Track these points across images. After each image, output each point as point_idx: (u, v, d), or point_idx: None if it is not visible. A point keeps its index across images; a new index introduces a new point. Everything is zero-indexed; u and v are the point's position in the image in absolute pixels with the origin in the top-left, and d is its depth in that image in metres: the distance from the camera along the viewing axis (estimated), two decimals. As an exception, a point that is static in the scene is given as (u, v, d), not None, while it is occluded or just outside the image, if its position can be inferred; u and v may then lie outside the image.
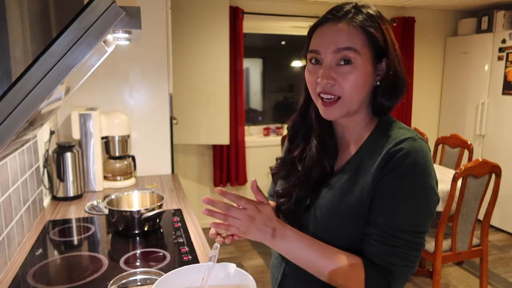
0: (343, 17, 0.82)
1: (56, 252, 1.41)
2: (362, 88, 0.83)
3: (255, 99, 4.23)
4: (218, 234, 0.88)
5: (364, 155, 0.86)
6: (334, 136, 0.94)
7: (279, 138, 3.56)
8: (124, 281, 1.15)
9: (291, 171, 0.96)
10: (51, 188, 1.92)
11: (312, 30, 0.87)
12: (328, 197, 0.87)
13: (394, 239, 0.79)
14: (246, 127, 3.81)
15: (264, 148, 3.89)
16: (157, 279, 0.86)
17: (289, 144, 1.00)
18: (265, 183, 3.60)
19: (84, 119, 2.02)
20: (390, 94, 0.86)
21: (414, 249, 0.80)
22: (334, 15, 0.84)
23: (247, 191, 3.88)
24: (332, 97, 0.83)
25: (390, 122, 0.89)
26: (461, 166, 2.29)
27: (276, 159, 1.03)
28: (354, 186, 0.84)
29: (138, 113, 2.33)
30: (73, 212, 1.79)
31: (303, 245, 0.80)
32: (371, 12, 0.84)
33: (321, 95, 0.84)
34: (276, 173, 1.01)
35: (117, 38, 1.26)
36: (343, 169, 0.89)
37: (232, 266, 0.89)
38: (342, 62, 0.81)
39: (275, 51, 4.27)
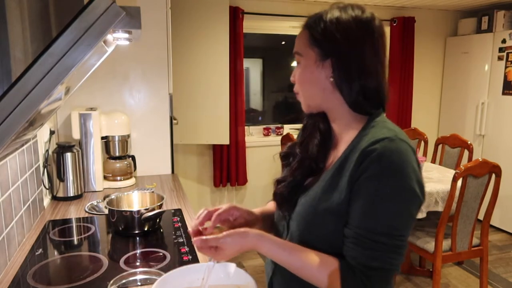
0: (305, 23, 0.93)
1: (56, 252, 1.41)
2: (309, 84, 0.91)
3: (255, 99, 4.23)
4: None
5: (348, 154, 0.86)
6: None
7: (279, 138, 3.56)
8: (124, 281, 1.15)
9: (294, 158, 1.00)
10: (51, 188, 1.92)
11: None
12: (311, 194, 0.89)
13: (372, 242, 0.78)
14: (246, 127, 3.81)
15: (264, 148, 3.89)
16: (157, 279, 0.86)
17: (302, 132, 1.05)
18: (265, 183, 3.63)
19: (84, 119, 2.02)
20: (343, 90, 0.87)
21: (395, 252, 0.79)
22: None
23: (247, 191, 3.88)
24: (296, 92, 0.96)
25: (377, 121, 0.87)
26: (461, 166, 2.29)
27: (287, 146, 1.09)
28: (335, 185, 0.85)
29: (138, 113, 2.33)
30: (73, 212, 1.79)
31: (280, 253, 0.85)
32: (327, 16, 0.87)
33: None
34: (285, 156, 1.04)
35: (117, 38, 1.26)
36: (331, 167, 0.90)
37: (232, 266, 0.89)
38: (297, 63, 0.94)
39: (275, 51, 4.27)
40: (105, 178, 2.17)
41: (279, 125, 4.08)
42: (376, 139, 0.80)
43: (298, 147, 0.99)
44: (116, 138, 2.15)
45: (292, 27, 3.90)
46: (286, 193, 0.95)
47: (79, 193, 1.98)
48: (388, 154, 0.78)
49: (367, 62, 0.85)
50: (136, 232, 1.52)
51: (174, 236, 1.51)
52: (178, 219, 1.68)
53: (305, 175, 0.95)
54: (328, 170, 0.90)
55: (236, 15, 3.45)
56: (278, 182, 0.99)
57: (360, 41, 0.85)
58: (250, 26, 3.72)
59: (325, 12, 0.88)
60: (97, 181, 2.08)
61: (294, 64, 1.00)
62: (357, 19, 0.86)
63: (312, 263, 0.82)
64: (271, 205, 1.09)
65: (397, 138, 0.80)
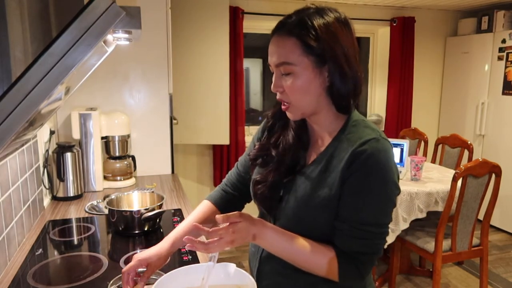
0: (283, 29, 0.90)
1: (56, 252, 1.41)
2: (306, 93, 0.90)
3: (255, 99, 4.23)
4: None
5: (333, 151, 0.92)
6: (307, 130, 1.01)
7: (279, 138, 3.56)
8: (124, 281, 1.15)
9: (268, 159, 1.02)
10: (51, 188, 1.92)
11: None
12: (300, 190, 0.94)
13: (362, 232, 0.87)
14: (246, 127, 3.81)
15: (264, 148, 3.89)
16: (157, 279, 0.86)
17: (268, 133, 1.07)
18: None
19: (84, 119, 2.02)
20: (339, 92, 0.90)
21: (380, 238, 0.89)
22: (277, 28, 0.92)
23: (247, 191, 3.87)
24: (286, 102, 0.93)
25: (357, 121, 0.94)
26: (461, 166, 2.29)
27: (254, 145, 1.10)
28: (323, 181, 0.91)
29: (138, 113, 2.33)
30: (73, 212, 1.79)
31: (282, 241, 0.89)
32: (313, 22, 0.87)
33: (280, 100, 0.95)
34: (255, 159, 1.06)
35: (117, 38, 1.26)
36: (314, 163, 0.95)
37: (232, 266, 0.89)
38: (284, 73, 0.90)
39: (275, 51, 4.26)
40: (105, 178, 2.17)
41: (279, 125, 4.07)
42: (364, 140, 0.88)
43: (273, 149, 1.02)
44: (116, 138, 2.15)
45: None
46: (267, 192, 0.99)
47: (79, 193, 1.98)
48: (377, 154, 0.86)
49: (352, 60, 0.90)
50: (136, 232, 1.52)
51: (174, 236, 1.50)
52: (178, 219, 1.68)
53: (284, 175, 0.98)
54: (313, 166, 0.94)
55: (236, 15, 3.45)
56: (257, 182, 1.02)
57: (346, 42, 0.89)
58: (250, 26, 3.72)
59: (308, 17, 0.88)
60: (97, 181, 2.08)
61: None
62: (340, 21, 0.90)
63: (310, 249, 0.89)
64: (200, 215, 1.12)
65: (381, 137, 0.89)
